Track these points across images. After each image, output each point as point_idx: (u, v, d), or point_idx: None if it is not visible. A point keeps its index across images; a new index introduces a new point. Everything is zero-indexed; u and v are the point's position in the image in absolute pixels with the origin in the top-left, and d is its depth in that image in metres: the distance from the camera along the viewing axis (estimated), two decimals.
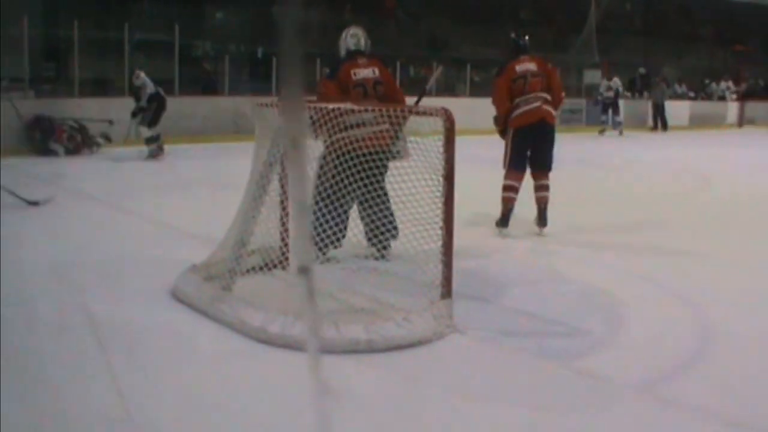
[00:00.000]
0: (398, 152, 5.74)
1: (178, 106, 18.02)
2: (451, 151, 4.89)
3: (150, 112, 14.64)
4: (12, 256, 6.60)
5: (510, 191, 7.84)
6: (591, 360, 4.52)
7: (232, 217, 5.79)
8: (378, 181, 5.79)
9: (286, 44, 1.39)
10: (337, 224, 5.99)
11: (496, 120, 8.04)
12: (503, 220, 7.93)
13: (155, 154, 14.82)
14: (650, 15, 35.34)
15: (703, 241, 7.99)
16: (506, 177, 7.87)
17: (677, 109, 27.90)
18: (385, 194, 6.03)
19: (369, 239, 6.25)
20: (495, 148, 8.11)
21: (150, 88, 14.80)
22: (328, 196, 5.96)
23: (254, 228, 5.49)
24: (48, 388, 3.98)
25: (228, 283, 5.27)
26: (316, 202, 6.03)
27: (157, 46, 20.48)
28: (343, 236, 6.24)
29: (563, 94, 8.28)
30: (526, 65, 7.86)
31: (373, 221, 6.02)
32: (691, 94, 32.74)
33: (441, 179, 4.94)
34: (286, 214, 5.82)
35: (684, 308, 5.67)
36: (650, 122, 26.86)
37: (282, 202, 5.78)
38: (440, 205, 4.96)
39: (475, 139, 9.80)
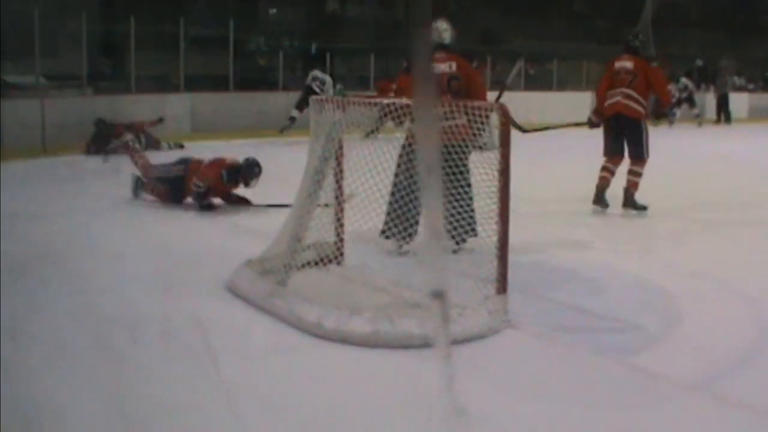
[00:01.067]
0: (485, 144, 5.70)
1: (232, 101, 18.18)
2: (506, 146, 4.88)
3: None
4: (67, 249, 6.76)
5: (603, 171, 8.86)
6: (646, 356, 4.49)
7: (287, 212, 5.83)
8: (453, 173, 5.74)
9: (418, 45, 1.41)
10: (409, 218, 6.06)
11: (595, 111, 9.11)
12: (596, 198, 8.83)
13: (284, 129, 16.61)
14: (707, 5, 34.85)
15: (764, 238, 7.88)
16: (604, 159, 8.94)
17: (736, 102, 27.43)
18: (463, 188, 5.82)
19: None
20: (550, 142, 8.16)
21: (330, 89, 16.43)
22: (402, 188, 5.98)
23: (309, 223, 5.53)
24: (104, 381, 4.06)
25: (283, 277, 5.31)
26: (392, 194, 6.12)
27: (212, 41, 20.63)
28: (416, 231, 6.31)
29: (665, 91, 9.56)
30: (623, 63, 8.81)
31: (449, 213, 6.04)
32: (751, 86, 32.18)
33: (496, 173, 4.94)
34: (341, 209, 5.86)
35: (741, 305, 5.60)
36: (714, 114, 26.45)
37: (337, 197, 5.81)
38: (496, 200, 4.96)
39: (532, 133, 9.74)
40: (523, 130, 9.04)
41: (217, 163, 8.82)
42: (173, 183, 8.92)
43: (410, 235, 6.24)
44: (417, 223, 6.26)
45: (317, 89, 16.04)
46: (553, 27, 28.73)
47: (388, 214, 6.20)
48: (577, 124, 8.93)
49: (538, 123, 9.70)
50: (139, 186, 9.35)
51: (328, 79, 16.77)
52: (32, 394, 3.87)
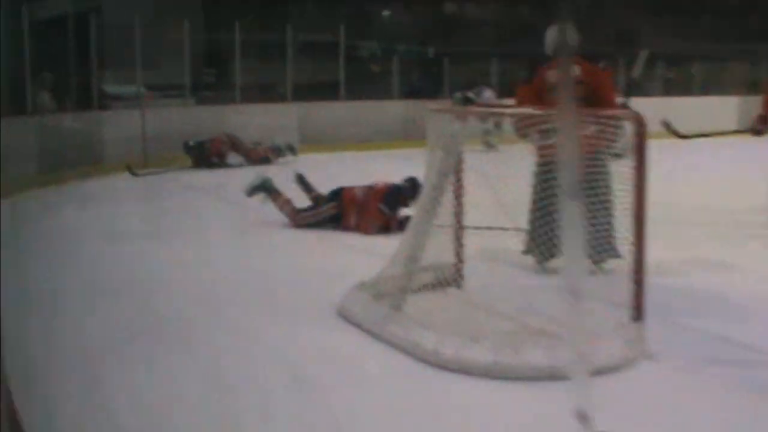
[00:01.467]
0: (618, 153, 5.66)
1: (343, 111, 18.27)
2: (641, 158, 4.82)
3: None
4: (167, 273, 6.93)
5: None
6: None
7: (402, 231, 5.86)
8: (589, 188, 5.70)
9: (562, 63, 1.46)
10: (551, 237, 6.10)
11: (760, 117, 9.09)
12: None
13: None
14: None
15: None
16: None
17: None
18: (598, 204, 5.83)
19: None
20: (700, 151, 8.06)
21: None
22: (541, 206, 6.03)
23: (426, 242, 5.55)
24: (213, 407, 4.16)
25: (398, 301, 5.33)
26: (532, 212, 6.36)
27: (321, 47, 20.83)
28: (558, 250, 6.30)
29: None
30: None
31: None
32: None
33: (631, 189, 4.88)
34: (461, 228, 5.86)
35: None
36: None
37: (456, 214, 5.81)
38: (631, 217, 4.90)
39: (670, 143, 9.57)
40: (682, 135, 9.00)
41: (374, 199, 8.78)
42: (328, 222, 8.93)
43: (552, 255, 6.23)
44: (558, 243, 6.27)
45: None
46: (699, 25, 28.08)
47: (530, 232, 6.44)
48: (738, 132, 8.82)
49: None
50: (261, 189, 9.30)
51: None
52: (136, 417, 3.99)
